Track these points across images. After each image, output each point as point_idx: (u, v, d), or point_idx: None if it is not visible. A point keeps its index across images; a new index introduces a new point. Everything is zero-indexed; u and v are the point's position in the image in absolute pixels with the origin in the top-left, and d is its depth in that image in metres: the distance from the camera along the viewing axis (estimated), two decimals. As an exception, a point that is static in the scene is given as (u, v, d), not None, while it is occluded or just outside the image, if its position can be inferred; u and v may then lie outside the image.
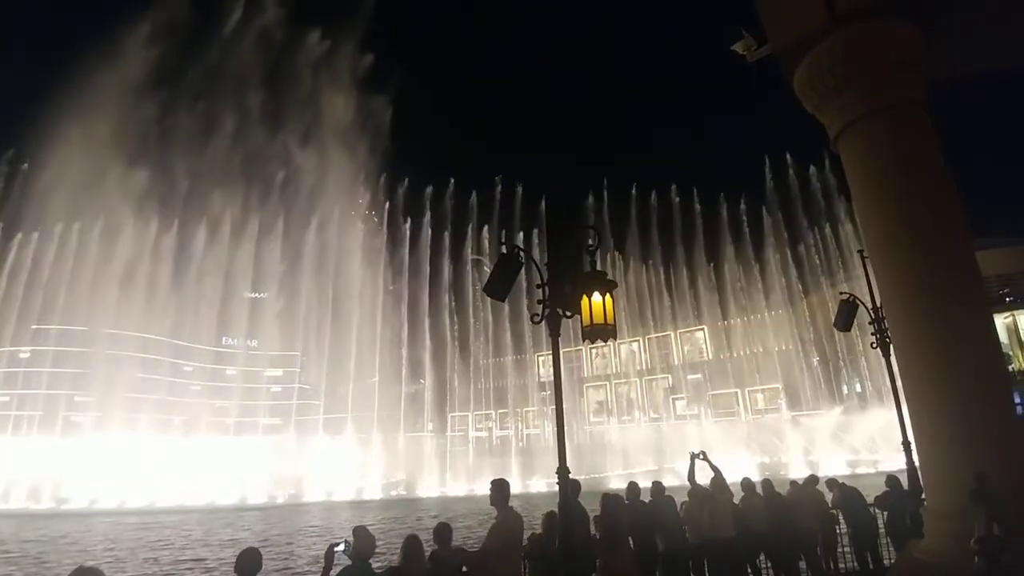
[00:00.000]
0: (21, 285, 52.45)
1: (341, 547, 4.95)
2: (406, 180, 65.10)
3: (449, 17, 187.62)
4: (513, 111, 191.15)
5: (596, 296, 5.60)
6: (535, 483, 40.95)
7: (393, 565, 5.44)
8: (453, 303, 64.43)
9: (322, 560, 5.08)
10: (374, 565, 5.27)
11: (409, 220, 63.38)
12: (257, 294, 71.62)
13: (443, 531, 5.79)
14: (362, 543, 5.09)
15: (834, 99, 7.30)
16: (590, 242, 6.02)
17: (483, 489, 38.34)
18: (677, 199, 63.24)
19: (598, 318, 5.57)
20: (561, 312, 5.60)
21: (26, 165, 53.73)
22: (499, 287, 5.86)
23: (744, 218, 59.33)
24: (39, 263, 52.33)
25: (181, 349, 72.47)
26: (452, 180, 66.64)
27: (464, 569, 5.76)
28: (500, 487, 5.92)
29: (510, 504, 5.95)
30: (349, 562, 5.05)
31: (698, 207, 61.35)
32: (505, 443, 67.55)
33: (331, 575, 4.99)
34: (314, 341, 63.63)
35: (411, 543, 5.43)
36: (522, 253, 5.97)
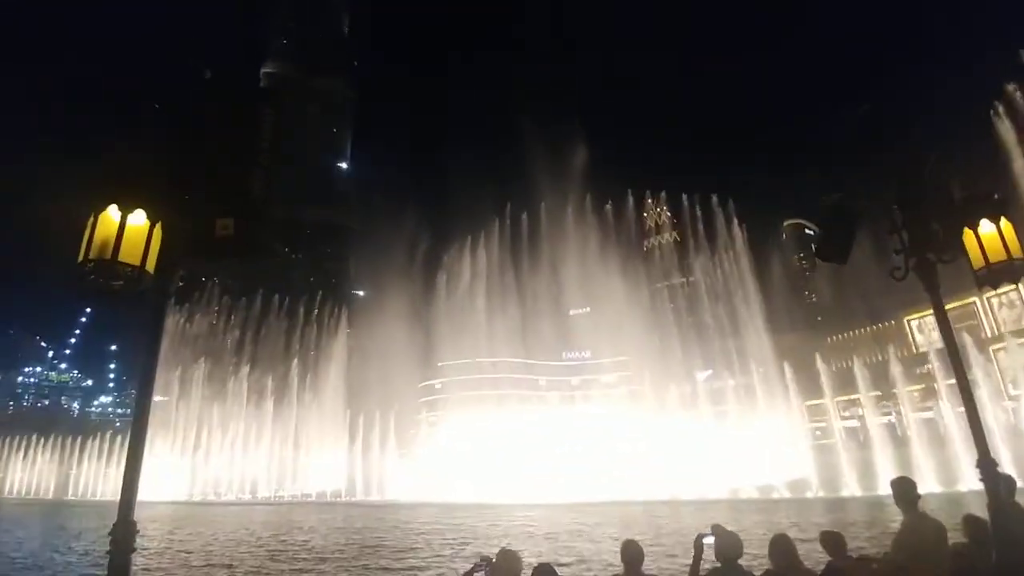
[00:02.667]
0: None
1: (710, 539, 4.82)
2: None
3: None
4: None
5: (985, 226, 4.16)
6: (933, 482, 32.74)
7: (768, 569, 5.00)
8: (773, 278, 58.41)
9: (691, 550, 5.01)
10: (749, 566, 4.93)
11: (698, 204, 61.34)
12: (579, 310, 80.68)
13: (835, 539, 5.14)
14: (724, 543, 4.86)
15: None
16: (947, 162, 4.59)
17: (864, 489, 32.80)
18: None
19: (995, 254, 4.10)
20: (934, 258, 4.33)
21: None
22: (835, 247, 4.85)
23: None
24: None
25: (533, 366, 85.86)
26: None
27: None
28: (903, 486, 4.87)
29: (919, 507, 4.84)
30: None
31: None
32: (884, 432, 56.00)
33: (701, 570, 4.88)
34: (636, 346, 66.07)
35: (780, 542, 4.94)
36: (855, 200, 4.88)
